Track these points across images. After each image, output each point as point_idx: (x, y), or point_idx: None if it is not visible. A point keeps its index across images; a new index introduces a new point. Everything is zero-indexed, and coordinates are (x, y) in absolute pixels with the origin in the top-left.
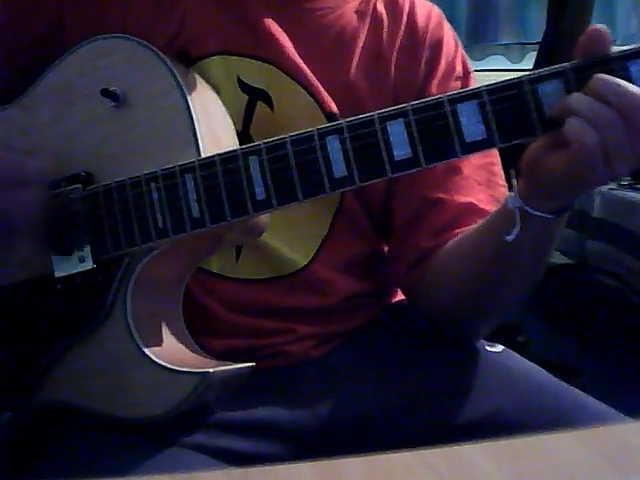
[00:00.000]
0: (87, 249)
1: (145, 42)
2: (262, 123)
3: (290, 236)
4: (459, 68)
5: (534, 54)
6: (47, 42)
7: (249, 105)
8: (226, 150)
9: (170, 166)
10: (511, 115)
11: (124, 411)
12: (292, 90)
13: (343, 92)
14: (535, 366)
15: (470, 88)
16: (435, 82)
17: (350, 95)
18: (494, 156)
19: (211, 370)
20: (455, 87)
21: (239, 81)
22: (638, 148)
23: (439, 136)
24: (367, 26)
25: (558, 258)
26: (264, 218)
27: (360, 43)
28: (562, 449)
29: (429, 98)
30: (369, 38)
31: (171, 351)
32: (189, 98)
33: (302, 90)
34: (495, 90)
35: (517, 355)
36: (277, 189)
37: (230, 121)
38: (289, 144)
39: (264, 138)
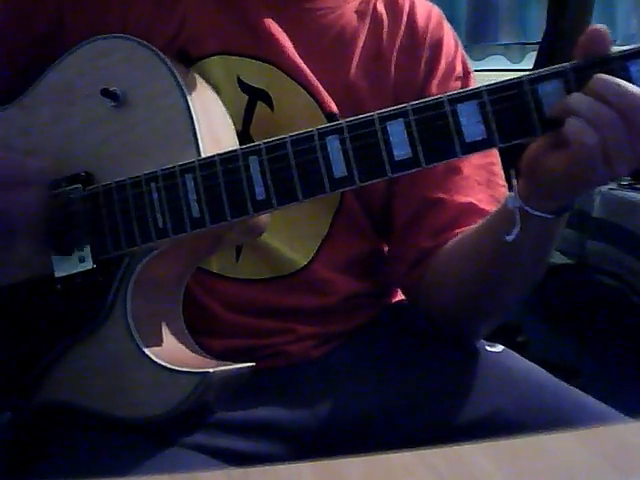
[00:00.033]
0: (87, 249)
1: (145, 42)
2: (262, 123)
3: (290, 236)
4: (459, 68)
5: (534, 54)
6: (47, 42)
7: (249, 105)
8: (226, 150)
9: (170, 166)
10: (511, 115)
11: (124, 411)
12: (292, 90)
13: (343, 92)
14: (535, 366)
15: (470, 88)
16: (435, 82)
17: (350, 95)
18: (494, 156)
19: (211, 370)
20: (455, 87)
21: (239, 81)
22: (638, 148)
23: (439, 136)
24: (367, 26)
25: (558, 258)
26: (264, 218)
27: (360, 43)
28: (562, 449)
29: (429, 98)
30: (369, 38)
31: (171, 351)
32: (189, 98)
33: (302, 90)
34: (495, 90)
35: (517, 355)
36: (277, 189)
37: (230, 121)
38: (289, 144)
39: (264, 138)
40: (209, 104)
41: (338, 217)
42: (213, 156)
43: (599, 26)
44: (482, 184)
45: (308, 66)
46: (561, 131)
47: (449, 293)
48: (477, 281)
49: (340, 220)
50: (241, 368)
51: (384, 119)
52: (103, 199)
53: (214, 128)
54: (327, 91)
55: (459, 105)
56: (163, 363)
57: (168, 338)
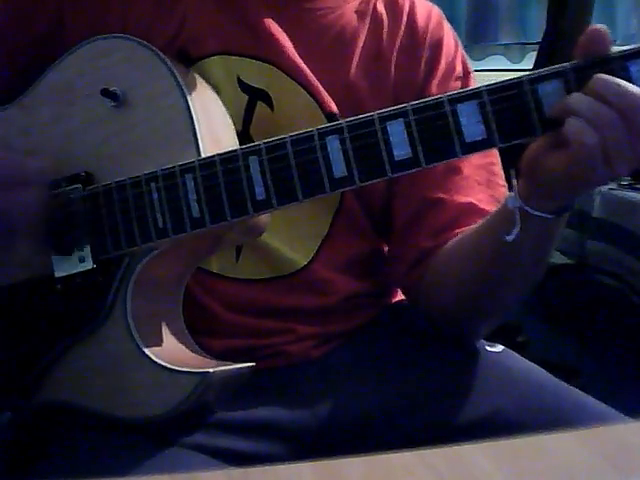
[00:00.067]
0: (87, 249)
1: (145, 42)
2: (262, 123)
3: (290, 236)
4: (459, 68)
5: (534, 54)
6: (47, 42)
7: (249, 105)
8: (226, 150)
9: (170, 166)
10: (511, 115)
11: (124, 411)
12: (292, 90)
13: (343, 92)
14: (535, 366)
15: (470, 88)
16: (435, 82)
17: (350, 95)
18: (494, 156)
19: (211, 370)
20: (455, 87)
21: (239, 81)
22: (638, 148)
23: (439, 136)
24: (367, 26)
25: (558, 258)
26: (264, 218)
27: (360, 43)
28: (562, 449)
29: (429, 98)
30: (369, 38)
31: (171, 351)
32: (189, 98)
33: (302, 90)
34: (495, 90)
35: (517, 355)
36: (277, 189)
37: (230, 121)
38: (289, 144)
39: (264, 138)
40: (209, 104)
41: (338, 217)
42: (213, 156)
43: (599, 26)
44: (482, 184)
45: (308, 66)
46: (561, 131)
47: (449, 293)
48: (477, 281)
49: (340, 220)
50: (241, 368)
51: (384, 119)
52: (103, 199)
53: (214, 128)
54: (327, 91)
55: (459, 105)
56: (163, 363)
57: (168, 338)
